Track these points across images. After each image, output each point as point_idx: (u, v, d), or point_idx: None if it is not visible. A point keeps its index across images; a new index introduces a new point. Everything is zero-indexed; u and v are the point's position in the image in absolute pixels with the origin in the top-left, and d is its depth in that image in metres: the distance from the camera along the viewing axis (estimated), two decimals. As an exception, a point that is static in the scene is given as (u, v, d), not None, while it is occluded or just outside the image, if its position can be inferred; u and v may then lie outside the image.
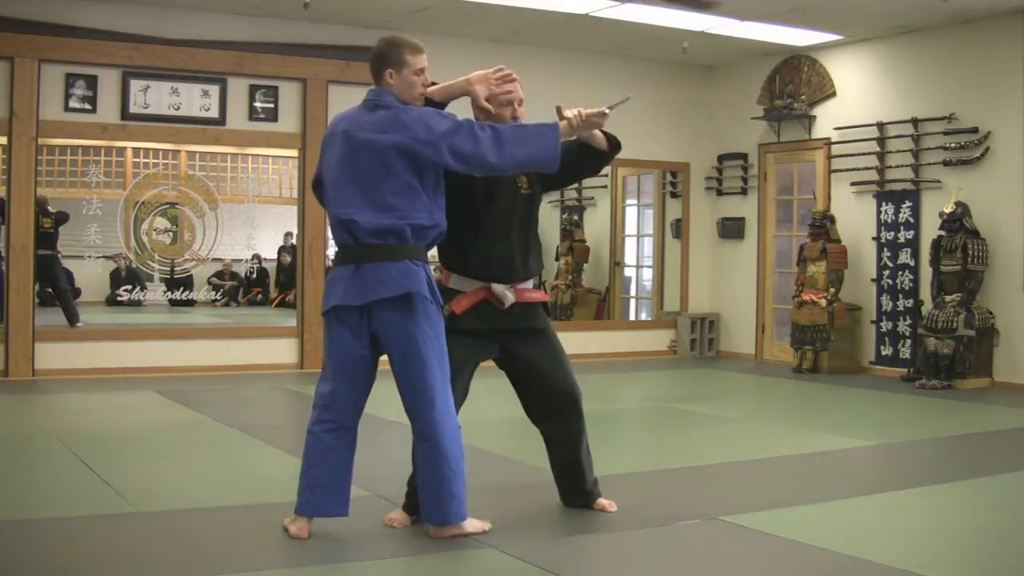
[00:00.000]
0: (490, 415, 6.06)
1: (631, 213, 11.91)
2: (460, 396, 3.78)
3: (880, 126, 9.09)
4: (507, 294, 3.81)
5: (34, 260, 8.15)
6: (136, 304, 10.39)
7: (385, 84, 3.63)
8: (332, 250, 9.11)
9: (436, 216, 3.58)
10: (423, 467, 3.60)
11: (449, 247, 3.82)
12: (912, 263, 8.90)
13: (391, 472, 4.31)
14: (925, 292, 8.67)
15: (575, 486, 4.06)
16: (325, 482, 3.62)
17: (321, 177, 3.75)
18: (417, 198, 3.53)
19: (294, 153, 9.12)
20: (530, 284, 3.93)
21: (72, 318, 9.67)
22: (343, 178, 3.58)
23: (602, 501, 4.06)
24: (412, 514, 3.81)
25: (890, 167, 9.06)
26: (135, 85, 8.37)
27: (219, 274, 13.47)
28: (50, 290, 10.18)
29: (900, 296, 9.00)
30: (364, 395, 3.67)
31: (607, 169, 11.34)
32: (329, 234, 8.92)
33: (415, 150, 3.50)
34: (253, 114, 8.80)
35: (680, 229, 10.91)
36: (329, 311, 3.61)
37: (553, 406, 3.95)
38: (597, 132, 3.77)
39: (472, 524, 3.67)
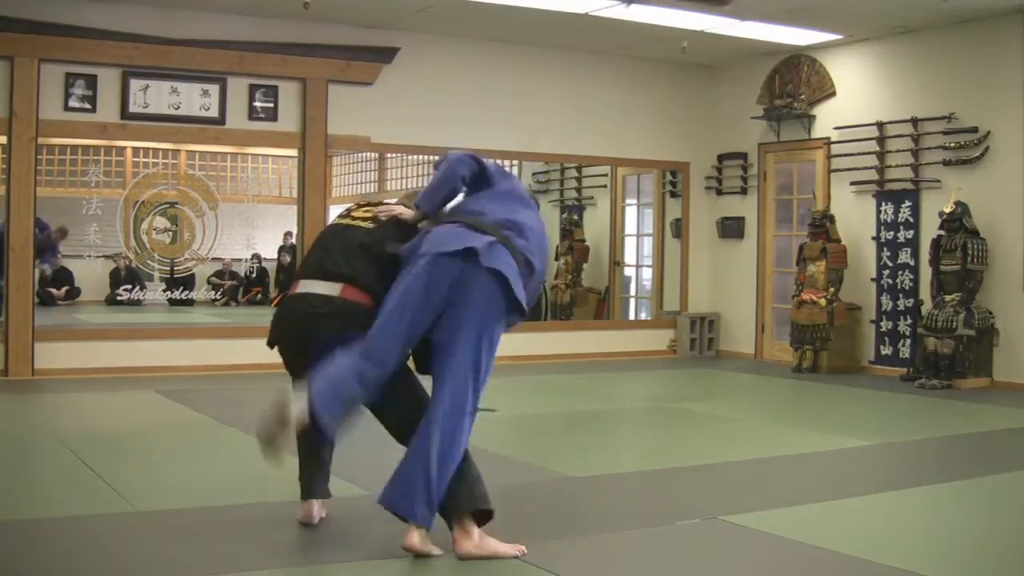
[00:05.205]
0: (490, 414, 6.05)
1: (631, 213, 11.90)
2: None
3: (880, 126, 9.09)
4: None
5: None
6: (136, 304, 10.39)
7: None
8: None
9: None
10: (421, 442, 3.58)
11: None
12: (912, 263, 8.90)
13: (390, 472, 4.30)
14: (925, 292, 8.67)
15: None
16: None
17: (488, 171, 3.76)
18: None
19: (294, 153, 9.12)
20: None
21: None
22: (513, 205, 3.69)
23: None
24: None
25: (890, 167, 9.06)
26: (135, 85, 8.36)
27: (219, 273, 13.47)
28: None
29: (900, 296, 9.00)
30: None
31: (607, 168, 11.45)
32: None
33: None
34: (253, 114, 8.80)
35: (680, 229, 10.91)
36: (440, 255, 3.45)
37: None
38: None
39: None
